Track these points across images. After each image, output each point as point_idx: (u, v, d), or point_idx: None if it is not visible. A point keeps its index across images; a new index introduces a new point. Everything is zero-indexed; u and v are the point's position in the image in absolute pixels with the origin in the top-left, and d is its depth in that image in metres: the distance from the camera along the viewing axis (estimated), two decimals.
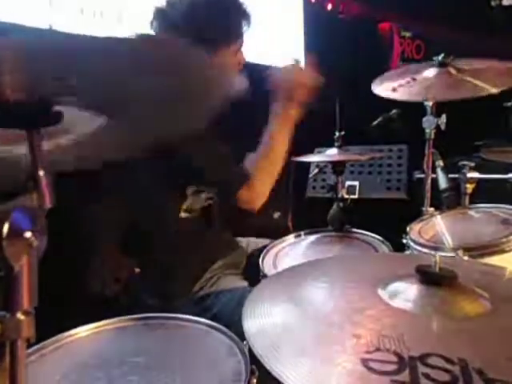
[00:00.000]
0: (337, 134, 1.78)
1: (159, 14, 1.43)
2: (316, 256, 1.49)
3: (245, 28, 1.50)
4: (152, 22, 1.44)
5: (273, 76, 1.54)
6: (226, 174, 1.42)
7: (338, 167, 1.78)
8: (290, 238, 1.66)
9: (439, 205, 1.65)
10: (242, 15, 1.49)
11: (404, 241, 1.42)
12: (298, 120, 1.54)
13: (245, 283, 1.50)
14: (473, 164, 1.79)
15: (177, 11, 1.40)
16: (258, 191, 1.44)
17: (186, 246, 1.43)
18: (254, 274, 1.45)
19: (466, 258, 1.18)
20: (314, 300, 0.75)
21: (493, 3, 3.44)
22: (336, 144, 1.78)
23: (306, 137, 1.79)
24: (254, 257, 1.58)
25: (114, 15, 1.94)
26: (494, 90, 1.38)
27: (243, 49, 1.55)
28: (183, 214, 1.48)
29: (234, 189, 1.41)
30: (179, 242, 1.45)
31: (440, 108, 1.65)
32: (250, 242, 1.81)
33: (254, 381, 0.75)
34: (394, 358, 0.56)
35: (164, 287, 1.50)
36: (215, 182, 1.44)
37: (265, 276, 1.33)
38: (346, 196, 1.80)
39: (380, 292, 0.73)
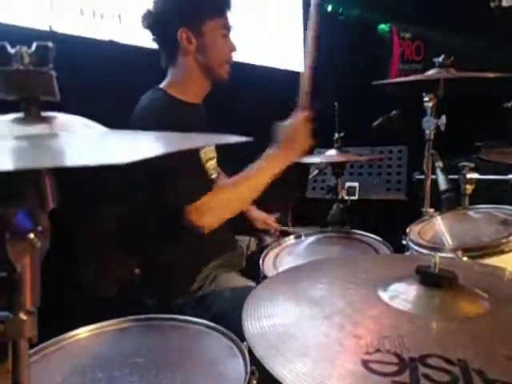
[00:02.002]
0: (336, 135, 1.79)
1: None
2: (316, 257, 1.50)
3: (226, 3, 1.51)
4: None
5: (277, 129, 1.45)
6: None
7: (337, 168, 1.78)
8: (291, 238, 1.67)
9: (439, 206, 1.66)
10: None
11: (404, 242, 1.42)
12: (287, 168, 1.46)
13: (246, 281, 1.49)
14: (472, 165, 1.80)
15: None
16: (210, 210, 1.33)
17: (182, 244, 1.43)
18: (254, 275, 1.46)
19: (465, 258, 1.19)
20: (314, 301, 0.75)
21: (492, 4, 3.45)
22: (336, 145, 1.79)
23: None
24: (254, 257, 1.58)
25: (114, 16, 1.94)
26: None
27: (233, 37, 1.55)
28: None
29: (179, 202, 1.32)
30: (177, 239, 1.46)
31: (440, 109, 1.65)
32: (251, 242, 1.81)
33: (254, 382, 0.75)
34: (395, 359, 0.56)
35: (163, 287, 1.50)
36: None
37: (265, 277, 1.33)
38: (346, 197, 1.80)
39: (380, 293, 0.73)
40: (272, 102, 2.64)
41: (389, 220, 1.94)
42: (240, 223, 1.65)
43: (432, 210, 1.70)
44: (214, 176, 1.64)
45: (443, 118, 1.63)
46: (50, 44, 0.46)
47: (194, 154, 1.44)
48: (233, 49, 1.55)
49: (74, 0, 1.77)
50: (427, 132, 1.67)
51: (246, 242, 1.80)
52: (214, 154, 1.66)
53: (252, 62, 2.65)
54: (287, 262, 1.47)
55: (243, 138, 0.49)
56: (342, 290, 0.77)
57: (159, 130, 0.56)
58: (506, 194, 1.93)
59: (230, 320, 0.89)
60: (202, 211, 1.31)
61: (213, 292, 1.46)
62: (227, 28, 1.52)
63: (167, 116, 1.39)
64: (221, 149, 1.67)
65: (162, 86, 1.54)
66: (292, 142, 1.40)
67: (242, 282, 1.49)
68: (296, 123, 1.42)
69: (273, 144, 1.42)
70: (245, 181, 1.39)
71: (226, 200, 1.38)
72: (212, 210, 1.33)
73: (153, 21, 1.48)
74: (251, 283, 1.46)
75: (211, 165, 1.62)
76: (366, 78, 1.74)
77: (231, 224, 1.60)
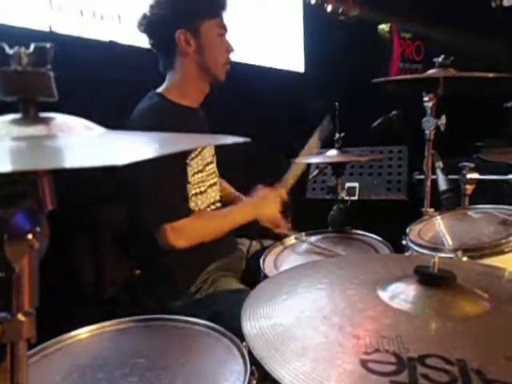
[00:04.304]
0: (337, 135, 1.79)
1: None
2: (316, 257, 1.50)
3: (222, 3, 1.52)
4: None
5: (257, 189, 1.68)
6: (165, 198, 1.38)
7: (337, 168, 1.78)
8: (291, 238, 1.66)
9: (439, 206, 1.66)
10: None
11: (404, 242, 1.42)
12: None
13: (242, 286, 1.50)
14: (472, 165, 1.80)
15: None
16: (186, 233, 1.38)
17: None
18: (254, 276, 1.45)
19: (465, 258, 1.19)
20: (314, 301, 0.75)
21: (493, 4, 3.45)
22: (336, 145, 1.79)
23: (306, 137, 1.79)
24: (255, 258, 1.58)
25: (114, 17, 1.94)
26: None
27: (230, 38, 1.56)
28: None
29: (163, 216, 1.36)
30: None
31: (440, 109, 1.65)
32: (252, 244, 1.81)
33: (254, 382, 0.75)
34: (393, 359, 0.56)
35: (162, 288, 1.50)
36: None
37: (266, 277, 1.33)
38: (346, 197, 1.80)
39: (379, 293, 0.73)
40: (272, 102, 2.64)
41: (389, 220, 1.94)
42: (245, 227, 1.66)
43: (432, 210, 1.70)
44: (213, 181, 1.63)
45: (443, 118, 1.63)
46: (48, 45, 0.46)
47: (180, 169, 1.43)
48: (230, 49, 1.55)
49: (73, 1, 1.77)
50: (427, 132, 1.66)
51: (247, 244, 1.80)
52: (213, 159, 1.66)
53: (251, 63, 2.65)
54: (288, 262, 1.47)
55: (241, 139, 0.49)
56: (341, 291, 0.77)
57: None
58: (506, 194, 1.93)
59: (229, 321, 0.89)
60: (180, 232, 1.36)
61: (212, 294, 1.46)
62: (223, 28, 1.53)
63: (165, 122, 1.39)
64: (221, 150, 1.67)
65: (160, 90, 1.53)
66: (263, 204, 1.60)
67: (241, 287, 1.50)
68: (273, 194, 1.62)
69: (251, 197, 1.67)
70: (222, 216, 1.54)
71: (201, 229, 1.44)
72: (188, 234, 1.39)
73: (150, 24, 1.47)
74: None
75: (210, 169, 1.61)
76: (366, 77, 1.74)
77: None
